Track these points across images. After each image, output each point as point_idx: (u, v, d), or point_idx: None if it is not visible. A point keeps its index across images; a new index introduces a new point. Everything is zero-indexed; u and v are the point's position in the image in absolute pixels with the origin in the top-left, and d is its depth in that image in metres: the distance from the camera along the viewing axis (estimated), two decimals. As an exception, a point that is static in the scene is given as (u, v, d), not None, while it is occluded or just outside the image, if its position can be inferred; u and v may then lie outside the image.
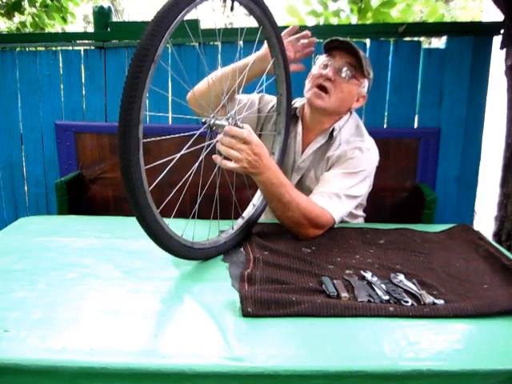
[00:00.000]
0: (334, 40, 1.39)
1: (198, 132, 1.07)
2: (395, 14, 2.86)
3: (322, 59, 1.43)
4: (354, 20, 2.85)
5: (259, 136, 1.29)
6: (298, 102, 1.55)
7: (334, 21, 2.91)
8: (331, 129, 1.46)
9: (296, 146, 1.51)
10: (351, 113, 1.51)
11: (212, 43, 2.06)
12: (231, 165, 1.11)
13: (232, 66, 1.38)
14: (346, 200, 1.34)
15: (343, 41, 1.38)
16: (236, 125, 1.12)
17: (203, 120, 1.08)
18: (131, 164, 0.88)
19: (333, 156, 1.44)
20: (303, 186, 1.49)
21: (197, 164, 1.07)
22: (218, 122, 1.09)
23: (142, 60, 0.85)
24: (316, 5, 2.90)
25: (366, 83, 1.45)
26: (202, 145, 1.10)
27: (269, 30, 1.24)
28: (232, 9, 1.12)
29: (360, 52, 1.39)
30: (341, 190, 1.34)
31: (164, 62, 2.02)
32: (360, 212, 1.57)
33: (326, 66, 1.40)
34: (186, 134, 1.11)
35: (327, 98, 1.39)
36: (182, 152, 1.02)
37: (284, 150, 1.43)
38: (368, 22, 2.81)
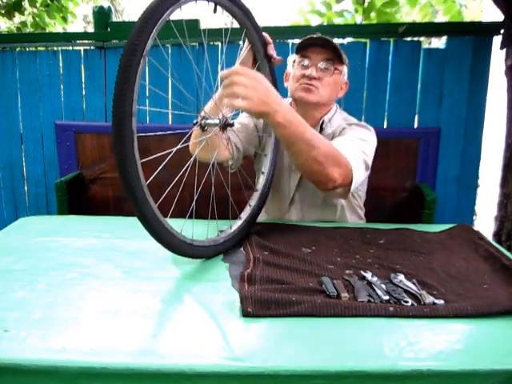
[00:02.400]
0: (309, 38, 1.39)
1: (189, 131, 1.08)
2: (416, 16, 2.88)
3: (295, 59, 1.43)
4: (359, 20, 2.86)
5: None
6: None
7: (338, 21, 2.92)
8: (321, 122, 1.46)
9: None
10: (337, 107, 1.52)
11: (212, 43, 2.06)
12: (240, 103, 1.01)
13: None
14: (360, 154, 1.31)
15: (317, 37, 1.38)
16: (227, 122, 1.13)
17: (194, 121, 1.09)
18: (126, 157, 0.89)
19: (335, 132, 1.44)
20: (303, 183, 1.49)
21: (192, 159, 1.07)
22: (209, 121, 1.10)
23: (132, 54, 0.88)
24: (320, 6, 2.91)
25: (345, 70, 1.46)
26: (203, 138, 1.10)
27: (252, 33, 1.26)
28: (215, 11, 1.13)
29: (336, 44, 1.38)
30: (354, 146, 1.32)
31: (164, 63, 2.03)
32: (362, 212, 1.58)
33: (305, 67, 1.40)
34: (176, 131, 1.12)
35: (317, 91, 1.40)
36: (178, 147, 1.03)
37: (276, 151, 1.43)
38: (372, 22, 2.81)
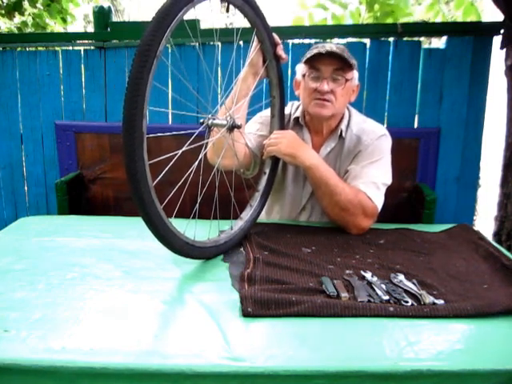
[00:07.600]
0: (317, 54, 1.35)
1: (197, 131, 1.08)
2: (420, 11, 2.86)
3: (305, 70, 1.40)
4: (363, 11, 2.85)
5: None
6: (296, 111, 1.52)
7: (343, 13, 2.90)
8: (339, 131, 1.46)
9: None
10: (349, 109, 1.51)
11: (212, 43, 2.06)
12: (272, 148, 1.33)
13: (231, 96, 1.32)
14: (382, 188, 1.39)
15: (325, 52, 1.34)
16: (234, 124, 1.12)
17: (201, 120, 1.08)
18: (136, 158, 0.88)
19: (357, 152, 1.45)
20: None
21: (197, 162, 1.07)
22: (216, 121, 1.10)
23: (146, 55, 0.87)
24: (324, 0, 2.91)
25: (355, 74, 1.43)
26: (204, 142, 1.10)
27: (262, 33, 1.26)
28: (228, 10, 1.13)
29: (343, 53, 1.35)
30: (375, 177, 1.38)
31: (164, 64, 2.02)
32: None
33: (316, 78, 1.38)
34: (183, 132, 1.12)
35: (331, 105, 1.38)
36: (184, 148, 1.02)
37: None
38: (376, 13, 2.80)
